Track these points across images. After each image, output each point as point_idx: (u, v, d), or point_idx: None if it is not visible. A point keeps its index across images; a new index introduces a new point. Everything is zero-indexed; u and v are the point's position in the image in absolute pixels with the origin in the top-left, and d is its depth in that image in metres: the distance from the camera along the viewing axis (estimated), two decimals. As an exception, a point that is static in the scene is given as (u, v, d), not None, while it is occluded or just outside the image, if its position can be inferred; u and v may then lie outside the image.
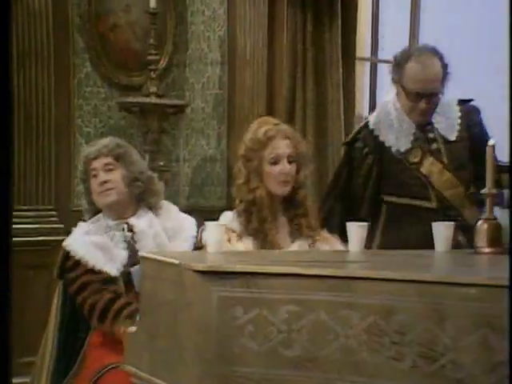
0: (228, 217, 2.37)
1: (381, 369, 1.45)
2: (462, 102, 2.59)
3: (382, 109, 2.58)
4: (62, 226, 3.31)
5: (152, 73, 3.65)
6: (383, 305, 1.46)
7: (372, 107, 4.38)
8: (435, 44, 2.58)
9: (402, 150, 2.49)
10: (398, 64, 2.50)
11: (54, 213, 3.48)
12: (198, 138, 3.97)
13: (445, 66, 2.47)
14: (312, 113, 3.80)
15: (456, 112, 2.55)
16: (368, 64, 4.41)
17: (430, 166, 2.48)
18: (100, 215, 2.36)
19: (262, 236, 2.28)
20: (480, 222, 1.99)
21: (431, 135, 2.51)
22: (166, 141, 3.89)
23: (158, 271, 1.75)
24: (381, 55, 4.41)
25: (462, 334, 1.38)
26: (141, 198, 2.37)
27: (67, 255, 2.30)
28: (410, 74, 2.45)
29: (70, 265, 2.30)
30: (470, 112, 2.56)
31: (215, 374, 1.55)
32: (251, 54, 3.84)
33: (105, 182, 2.31)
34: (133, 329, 1.87)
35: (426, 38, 4.38)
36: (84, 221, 2.40)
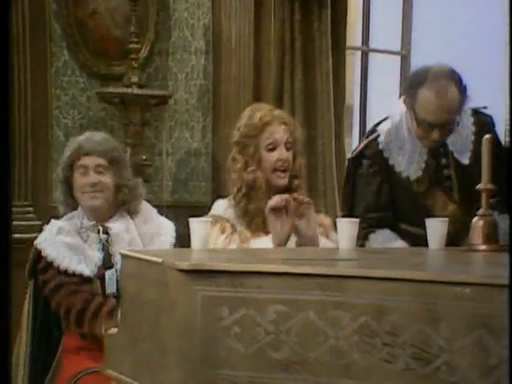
0: (221, 205, 2.37)
1: (372, 371, 1.45)
2: (477, 113, 2.49)
3: (394, 126, 2.45)
4: (39, 222, 3.28)
5: (133, 62, 3.62)
6: (375, 304, 1.46)
7: (363, 98, 4.39)
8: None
9: (412, 178, 2.42)
10: (411, 86, 2.38)
11: (30, 209, 3.45)
12: (182, 131, 3.95)
13: (462, 92, 2.34)
14: (300, 104, 3.79)
15: (470, 127, 2.45)
16: (359, 53, 4.42)
17: (434, 198, 2.43)
18: (75, 212, 2.35)
19: (258, 222, 2.27)
20: (475, 219, 1.99)
21: (444, 161, 2.45)
22: (149, 133, 3.87)
23: (140, 270, 1.74)
24: (372, 44, 4.41)
25: (457, 334, 1.38)
26: (122, 202, 2.37)
27: (39, 255, 2.29)
28: (422, 102, 2.33)
29: (43, 266, 2.29)
30: (484, 125, 2.45)
31: (200, 377, 1.55)
32: (237, 43, 3.82)
33: (95, 183, 2.30)
34: (114, 330, 1.86)
35: (419, 25, 4.39)
36: (57, 217, 2.38)
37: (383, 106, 4.45)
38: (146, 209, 2.44)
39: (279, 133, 2.32)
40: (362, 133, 4.38)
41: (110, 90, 3.61)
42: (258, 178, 2.30)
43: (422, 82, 2.34)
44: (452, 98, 2.32)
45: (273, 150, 2.31)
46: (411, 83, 2.40)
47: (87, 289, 2.25)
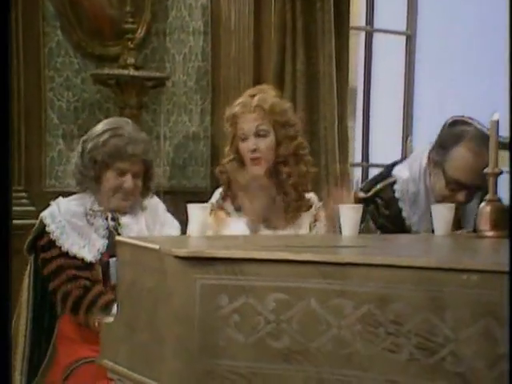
0: (218, 193, 2.40)
1: (376, 361, 1.45)
2: None
3: (412, 177, 2.43)
4: (33, 208, 3.28)
5: (129, 42, 3.61)
6: (378, 293, 1.46)
7: (367, 80, 4.37)
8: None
9: (421, 231, 2.40)
10: (444, 145, 2.37)
11: (24, 194, 3.45)
12: (180, 114, 3.94)
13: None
14: (302, 87, 3.78)
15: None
16: (363, 34, 4.39)
17: None
18: (86, 195, 2.34)
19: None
20: (483, 204, 1.99)
21: None
22: (146, 117, 3.86)
23: (137, 257, 1.74)
24: (377, 24, 4.39)
25: (463, 323, 1.38)
26: (142, 199, 2.41)
27: (43, 229, 2.28)
28: (457, 161, 2.33)
29: (45, 243, 2.29)
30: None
31: (198, 367, 1.55)
32: (237, 23, 3.80)
33: (130, 189, 2.31)
34: (109, 319, 1.86)
35: (425, 3, 4.36)
36: (63, 196, 2.38)
37: (388, 88, 4.43)
38: (156, 203, 2.46)
39: (247, 122, 2.36)
40: (366, 116, 4.37)
41: (106, 71, 3.60)
42: (226, 172, 2.35)
43: (457, 141, 2.34)
44: (487, 162, 2.23)
45: (245, 139, 2.35)
46: (443, 142, 2.38)
47: (87, 275, 2.25)
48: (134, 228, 2.34)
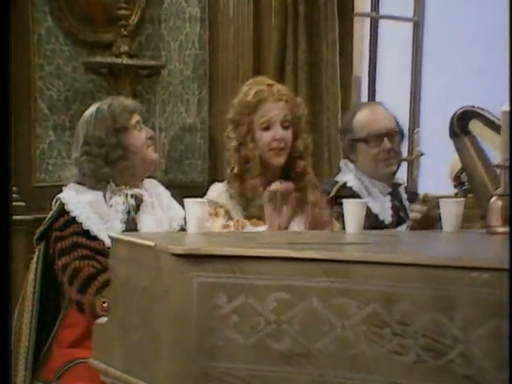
0: (217, 189, 2.38)
1: (381, 363, 1.45)
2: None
3: (353, 175, 2.62)
4: (23, 203, 3.28)
5: (122, 29, 3.60)
6: (384, 291, 1.46)
7: (372, 69, 4.37)
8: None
9: (386, 222, 2.57)
10: (344, 127, 2.68)
11: (13, 189, 3.45)
12: (176, 104, 3.94)
13: (394, 116, 2.64)
14: (304, 76, 3.78)
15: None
16: (368, 21, 4.39)
17: None
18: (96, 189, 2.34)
19: (255, 206, 2.28)
20: (493, 199, 1.99)
21: (402, 213, 2.62)
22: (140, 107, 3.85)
23: (132, 254, 1.74)
24: (382, 10, 4.39)
25: (473, 324, 1.38)
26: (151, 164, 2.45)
27: (61, 210, 2.27)
28: (360, 120, 2.60)
29: (62, 222, 2.26)
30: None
31: (195, 370, 1.55)
32: (235, 9, 3.80)
33: (151, 137, 2.42)
34: (102, 319, 1.86)
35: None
36: (43, 196, 2.37)
37: (394, 77, 4.43)
38: (154, 184, 2.47)
39: (274, 110, 2.33)
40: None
41: (98, 59, 3.60)
42: (252, 156, 2.31)
43: (353, 113, 2.65)
44: (384, 111, 2.64)
45: (267, 128, 2.32)
46: (343, 127, 2.73)
47: (101, 260, 2.22)
48: (150, 210, 2.35)
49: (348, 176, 2.64)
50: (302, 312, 1.51)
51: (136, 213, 2.32)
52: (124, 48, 3.59)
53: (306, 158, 2.39)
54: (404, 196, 2.68)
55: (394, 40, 4.49)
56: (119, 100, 2.44)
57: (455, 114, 2.52)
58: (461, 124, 2.50)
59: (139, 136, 2.38)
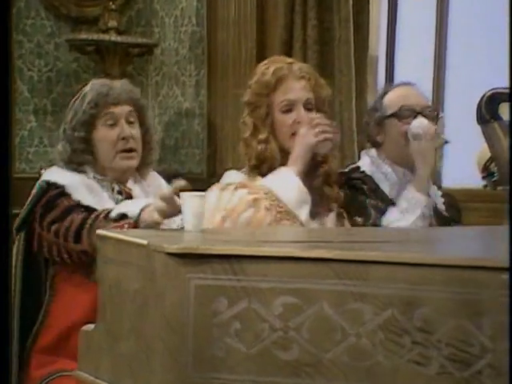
0: (236, 177, 2.35)
1: (400, 375, 1.46)
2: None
3: (371, 158, 2.66)
4: None
5: (110, 3, 3.61)
6: (403, 296, 1.46)
7: (390, 47, 4.36)
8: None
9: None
10: (373, 106, 2.69)
11: (-11, 181, 3.46)
12: (171, 87, 3.94)
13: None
14: (315, 55, 3.78)
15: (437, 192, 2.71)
16: (385, -7, 4.38)
17: None
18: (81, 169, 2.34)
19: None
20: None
21: None
22: (130, 90, 3.86)
23: (121, 254, 1.74)
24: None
25: (503, 331, 1.38)
26: (149, 162, 2.43)
27: (45, 189, 2.28)
28: (393, 96, 2.63)
29: (48, 198, 2.26)
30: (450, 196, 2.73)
31: (192, 382, 1.56)
32: (237, -20, 3.80)
33: (128, 137, 2.32)
34: (90, 326, 1.87)
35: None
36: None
37: (415, 56, 4.42)
38: (157, 177, 2.47)
39: (296, 90, 2.31)
40: (389, 90, 4.35)
41: (83, 36, 3.61)
42: (269, 150, 2.29)
43: (385, 92, 2.67)
44: (421, 92, 2.68)
45: (289, 111, 2.30)
46: (372, 106, 2.72)
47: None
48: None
49: (363, 161, 2.67)
50: (311, 318, 1.51)
51: None
52: (112, 23, 3.60)
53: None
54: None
55: (416, 14, 4.47)
56: (109, 85, 2.38)
57: (483, 96, 2.52)
58: (489, 108, 2.49)
59: (106, 135, 2.33)
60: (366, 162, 2.66)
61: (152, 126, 2.47)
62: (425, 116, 2.59)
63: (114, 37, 3.58)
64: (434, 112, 2.64)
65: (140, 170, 2.43)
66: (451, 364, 1.42)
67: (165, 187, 2.45)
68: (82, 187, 2.27)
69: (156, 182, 2.46)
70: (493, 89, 2.53)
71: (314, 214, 2.32)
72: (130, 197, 2.34)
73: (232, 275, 1.55)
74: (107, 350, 1.75)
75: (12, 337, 2.32)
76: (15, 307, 2.33)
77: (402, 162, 2.62)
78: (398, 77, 4.36)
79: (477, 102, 2.59)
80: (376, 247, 1.79)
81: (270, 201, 2.20)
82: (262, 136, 2.31)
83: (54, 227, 2.25)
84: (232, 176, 2.36)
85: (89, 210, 2.23)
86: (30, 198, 2.32)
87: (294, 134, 2.29)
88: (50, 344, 2.31)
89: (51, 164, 2.40)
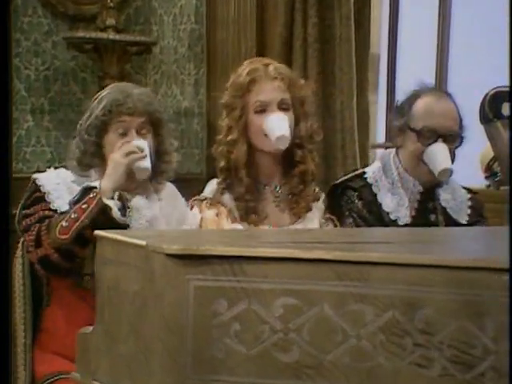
0: (215, 185, 2.39)
1: (401, 377, 1.46)
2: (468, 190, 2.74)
3: (383, 165, 2.64)
4: None
5: (108, 0, 3.61)
6: (405, 297, 1.47)
7: (392, 45, 4.36)
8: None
9: (401, 222, 2.57)
10: (401, 108, 2.62)
11: (-16, 181, 3.46)
12: (170, 86, 3.94)
13: (459, 112, 2.61)
14: (315, 53, 3.78)
15: (464, 195, 2.69)
16: (387, -10, 4.38)
17: None
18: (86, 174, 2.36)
19: (245, 211, 2.29)
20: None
21: (433, 217, 2.63)
22: (129, 89, 3.86)
23: (120, 255, 1.74)
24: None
25: (506, 333, 1.38)
26: (160, 174, 2.43)
27: (34, 188, 2.31)
28: (421, 109, 2.57)
29: (33, 198, 2.30)
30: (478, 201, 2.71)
31: (191, 383, 1.56)
32: (237, -23, 3.80)
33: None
34: (88, 328, 1.87)
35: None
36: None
37: (417, 54, 4.42)
38: (173, 190, 2.47)
39: (269, 91, 2.33)
40: (391, 88, 4.36)
41: (81, 34, 3.61)
42: (235, 151, 2.31)
43: (417, 96, 2.60)
44: (453, 107, 2.60)
45: (263, 111, 2.32)
46: (401, 105, 2.64)
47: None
48: (145, 213, 2.34)
49: (373, 167, 2.67)
50: (312, 319, 1.52)
51: (126, 220, 2.32)
52: (110, 21, 3.60)
53: (306, 146, 2.38)
54: (443, 197, 2.68)
55: (418, 12, 4.47)
56: (128, 91, 2.36)
57: (486, 95, 2.52)
58: (493, 107, 2.50)
59: (114, 142, 2.33)
60: (376, 168, 2.65)
61: (168, 138, 2.44)
62: (446, 140, 2.56)
63: (112, 35, 3.58)
64: (456, 134, 2.60)
65: (152, 181, 2.42)
66: (453, 366, 1.42)
67: (181, 201, 2.45)
68: (65, 195, 2.29)
69: (170, 194, 2.45)
70: (496, 88, 2.53)
71: (295, 214, 2.34)
72: (125, 204, 2.34)
73: (232, 276, 1.56)
74: (106, 351, 1.76)
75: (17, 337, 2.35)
76: (26, 308, 2.36)
77: (414, 175, 2.61)
78: (400, 75, 4.37)
79: (479, 100, 2.60)
80: (377, 248, 1.79)
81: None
82: (232, 137, 2.33)
83: (32, 231, 2.29)
84: (213, 183, 2.42)
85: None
86: (24, 194, 2.35)
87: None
88: (49, 345, 2.32)
89: (48, 165, 2.40)
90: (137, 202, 2.35)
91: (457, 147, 2.62)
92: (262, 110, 2.32)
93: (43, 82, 3.65)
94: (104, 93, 2.37)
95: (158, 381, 1.59)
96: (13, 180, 3.22)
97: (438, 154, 2.51)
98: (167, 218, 2.38)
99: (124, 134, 2.32)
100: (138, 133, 2.33)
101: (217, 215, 2.32)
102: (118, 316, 1.73)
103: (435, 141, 2.54)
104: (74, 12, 3.71)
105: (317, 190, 2.45)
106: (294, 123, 2.35)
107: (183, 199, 2.49)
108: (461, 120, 2.63)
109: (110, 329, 1.75)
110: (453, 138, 2.58)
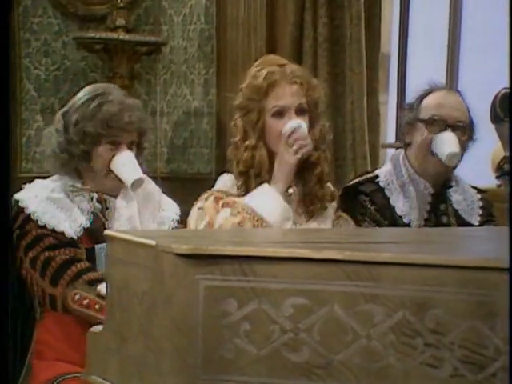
0: (228, 181, 2.38)
1: (412, 377, 1.45)
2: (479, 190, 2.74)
3: (393, 166, 2.65)
4: (5, 197, 3.30)
5: (118, 1, 3.62)
6: (415, 297, 1.46)
7: (402, 45, 4.36)
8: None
9: (414, 225, 2.57)
10: (411, 104, 2.65)
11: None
12: (180, 86, 3.95)
13: (469, 110, 2.61)
14: (325, 53, 3.78)
15: (475, 196, 2.70)
16: (397, -10, 4.37)
17: None
18: (64, 176, 2.37)
19: None
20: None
21: (445, 219, 2.63)
22: (139, 88, 3.88)
23: (129, 255, 1.74)
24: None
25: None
26: None
27: (16, 211, 2.32)
28: (431, 101, 2.60)
29: (21, 220, 2.32)
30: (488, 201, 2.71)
31: (202, 384, 1.56)
32: (247, -23, 3.80)
33: None
34: (98, 328, 1.88)
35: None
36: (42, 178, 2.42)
37: (428, 54, 4.41)
38: (147, 183, 2.48)
39: (288, 95, 2.32)
40: (401, 88, 4.36)
41: (91, 34, 3.62)
42: (257, 156, 2.30)
43: (427, 93, 2.62)
44: (461, 101, 2.61)
45: (280, 116, 2.31)
46: (411, 101, 2.67)
47: (71, 252, 2.28)
48: (124, 213, 2.37)
49: (385, 169, 2.66)
50: (322, 319, 1.52)
51: (104, 218, 2.34)
52: (120, 21, 3.61)
53: (321, 148, 2.38)
54: (454, 199, 2.67)
55: (429, 11, 4.47)
56: (119, 100, 2.37)
57: (497, 95, 2.51)
58: (504, 107, 2.49)
59: (105, 156, 2.35)
60: (387, 171, 2.65)
61: (146, 144, 2.51)
62: (455, 130, 2.56)
63: (122, 35, 3.59)
64: (465, 126, 2.60)
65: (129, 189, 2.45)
66: (464, 366, 1.42)
67: (154, 197, 2.46)
68: (50, 206, 2.30)
69: (147, 190, 2.47)
70: (507, 87, 2.53)
71: (309, 213, 2.35)
72: (106, 206, 2.36)
73: (242, 276, 1.56)
74: (115, 351, 1.76)
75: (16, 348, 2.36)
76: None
77: (423, 172, 2.60)
78: (411, 75, 4.36)
79: (490, 100, 2.59)
80: (387, 248, 1.79)
81: (254, 221, 2.22)
82: (250, 142, 2.32)
83: (30, 254, 2.30)
84: (224, 178, 2.40)
85: (64, 243, 2.27)
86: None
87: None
88: (47, 354, 2.33)
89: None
90: (117, 202, 2.38)
91: (468, 142, 2.61)
92: (279, 114, 2.31)
93: (53, 82, 3.66)
94: (90, 93, 2.37)
95: (167, 381, 1.59)
96: (22, 179, 3.24)
97: (447, 140, 2.52)
98: (141, 211, 2.41)
99: (114, 149, 2.35)
100: (128, 147, 2.37)
101: (227, 203, 2.31)
102: (128, 316, 1.73)
103: (444, 130, 2.55)
104: (84, 12, 3.72)
105: (332, 189, 2.45)
106: (309, 126, 2.35)
107: (158, 188, 2.50)
108: (471, 117, 2.62)
109: (120, 329, 1.75)
110: (462, 128, 2.58)
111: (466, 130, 2.59)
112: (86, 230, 2.31)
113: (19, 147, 3.61)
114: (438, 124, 2.56)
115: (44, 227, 2.29)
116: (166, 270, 1.60)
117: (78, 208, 2.33)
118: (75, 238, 2.30)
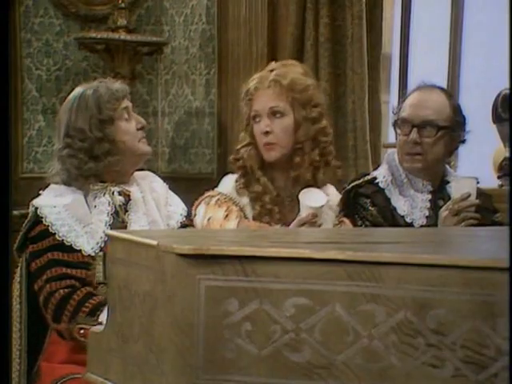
0: (231, 182, 2.40)
1: (413, 378, 1.45)
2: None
3: (389, 164, 2.63)
4: (7, 197, 3.30)
5: (120, 1, 3.62)
6: (417, 297, 1.46)
7: (404, 45, 4.35)
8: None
9: (416, 224, 2.55)
10: (398, 106, 2.64)
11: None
12: (181, 86, 3.95)
13: (453, 103, 2.57)
14: (326, 53, 3.78)
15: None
16: (399, -11, 4.37)
17: None
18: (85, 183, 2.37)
19: (261, 209, 2.30)
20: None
21: (442, 203, 2.60)
22: (140, 89, 3.88)
23: (131, 255, 1.75)
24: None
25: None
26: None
27: (35, 219, 2.31)
28: (405, 103, 2.58)
29: (36, 233, 2.32)
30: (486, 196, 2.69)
31: (203, 384, 1.56)
32: (248, -22, 3.81)
33: (144, 126, 2.44)
34: (99, 328, 1.88)
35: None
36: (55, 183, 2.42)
37: (429, 55, 4.41)
38: (153, 178, 2.50)
39: (261, 101, 2.36)
40: (402, 88, 4.35)
41: (92, 34, 3.62)
42: (246, 155, 2.34)
43: (409, 95, 2.61)
44: (436, 99, 2.54)
45: (258, 120, 2.36)
46: (398, 105, 2.67)
47: (80, 274, 2.28)
48: (142, 206, 2.38)
49: (382, 169, 2.65)
50: (323, 319, 1.51)
51: (125, 213, 2.34)
52: (121, 22, 3.61)
53: (306, 151, 2.36)
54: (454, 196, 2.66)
55: (431, 11, 4.46)
56: (106, 84, 2.41)
57: (499, 95, 2.51)
58: (505, 107, 2.49)
59: (128, 127, 2.38)
60: (384, 172, 2.63)
61: None
62: (421, 130, 2.53)
63: (123, 35, 3.59)
64: (439, 124, 2.54)
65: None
66: (466, 366, 1.42)
67: (162, 189, 2.46)
68: (69, 220, 2.30)
69: (152, 184, 2.48)
70: (508, 87, 2.52)
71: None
72: (129, 198, 2.36)
73: (243, 276, 1.56)
74: (117, 351, 1.76)
75: (21, 356, 2.36)
76: (23, 326, 2.36)
77: (410, 172, 2.59)
78: (412, 75, 4.36)
79: (492, 100, 2.59)
80: (388, 248, 1.79)
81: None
82: (244, 141, 2.40)
83: (38, 282, 2.31)
84: (228, 179, 2.44)
85: (74, 265, 2.29)
86: (26, 221, 2.37)
87: (265, 144, 2.34)
88: (56, 355, 2.33)
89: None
90: (135, 193, 2.39)
91: (455, 139, 2.58)
92: (258, 118, 2.37)
93: (55, 82, 3.66)
94: (79, 94, 2.37)
95: (169, 381, 1.59)
96: (24, 180, 3.24)
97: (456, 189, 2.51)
98: (159, 204, 2.42)
99: (129, 119, 2.39)
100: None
101: (226, 214, 2.32)
102: (129, 316, 1.73)
103: (411, 130, 2.52)
104: (86, 12, 3.72)
105: (335, 191, 2.47)
106: (293, 128, 2.34)
107: (160, 181, 2.51)
108: (459, 116, 2.57)
109: (122, 329, 1.76)
110: (431, 127, 2.53)
111: (439, 128, 2.53)
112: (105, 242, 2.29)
113: (20, 147, 3.61)
114: (404, 125, 2.55)
115: (61, 245, 2.28)
116: (168, 270, 1.60)
117: (97, 214, 2.32)
118: (92, 254, 2.30)
